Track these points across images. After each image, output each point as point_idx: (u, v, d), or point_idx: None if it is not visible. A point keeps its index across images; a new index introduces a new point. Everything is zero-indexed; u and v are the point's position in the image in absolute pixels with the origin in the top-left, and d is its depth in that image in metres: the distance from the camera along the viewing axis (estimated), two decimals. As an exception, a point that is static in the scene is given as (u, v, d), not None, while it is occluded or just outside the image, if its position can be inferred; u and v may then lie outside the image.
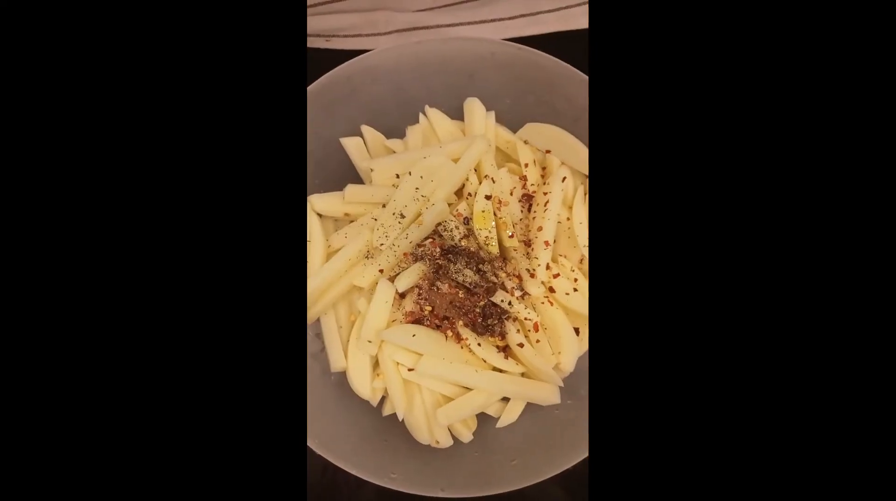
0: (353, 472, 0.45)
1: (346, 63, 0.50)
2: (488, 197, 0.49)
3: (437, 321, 0.48)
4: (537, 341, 0.48)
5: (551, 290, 0.49)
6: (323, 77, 0.50)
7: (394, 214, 0.49)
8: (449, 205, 0.50)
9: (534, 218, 0.50)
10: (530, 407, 0.49)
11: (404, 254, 0.49)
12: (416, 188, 0.49)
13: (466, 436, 0.48)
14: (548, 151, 0.53)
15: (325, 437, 0.45)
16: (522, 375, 0.48)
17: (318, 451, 0.45)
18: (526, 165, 0.52)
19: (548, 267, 0.49)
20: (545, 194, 0.50)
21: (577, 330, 0.50)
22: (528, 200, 0.52)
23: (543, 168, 0.53)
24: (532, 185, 0.52)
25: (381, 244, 0.48)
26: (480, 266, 0.48)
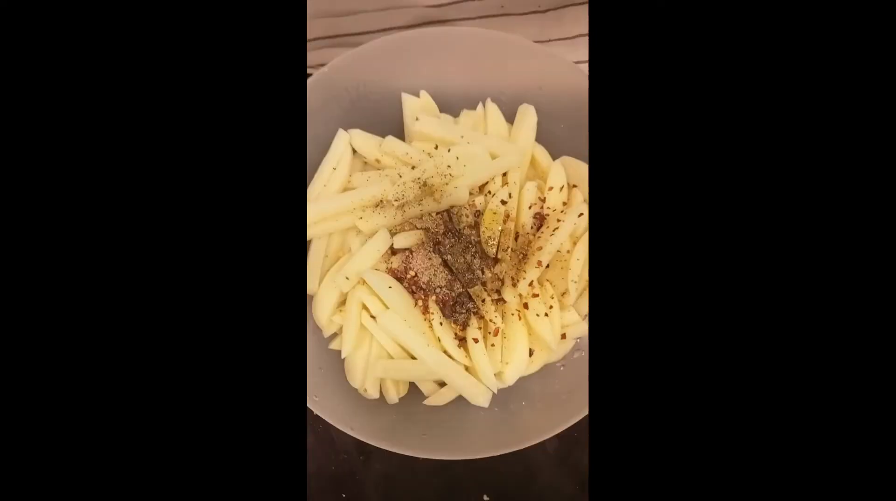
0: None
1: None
2: (504, 202, 0.51)
3: (413, 287, 0.50)
4: (492, 344, 0.50)
5: (525, 306, 0.51)
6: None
7: (418, 178, 0.51)
8: (469, 193, 0.52)
9: (538, 237, 0.53)
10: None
11: (409, 220, 0.51)
12: (448, 166, 0.51)
13: (392, 398, 0.51)
14: (574, 186, 0.55)
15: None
16: (466, 368, 0.51)
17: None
18: (550, 189, 0.54)
19: (531, 285, 0.51)
20: (558, 220, 0.52)
21: (531, 352, 0.52)
22: (540, 219, 0.54)
23: (564, 203, 0.55)
24: (549, 208, 0.54)
25: (396, 201, 0.51)
26: (472, 258, 0.50)
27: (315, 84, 0.51)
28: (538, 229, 0.54)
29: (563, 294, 0.52)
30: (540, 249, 0.51)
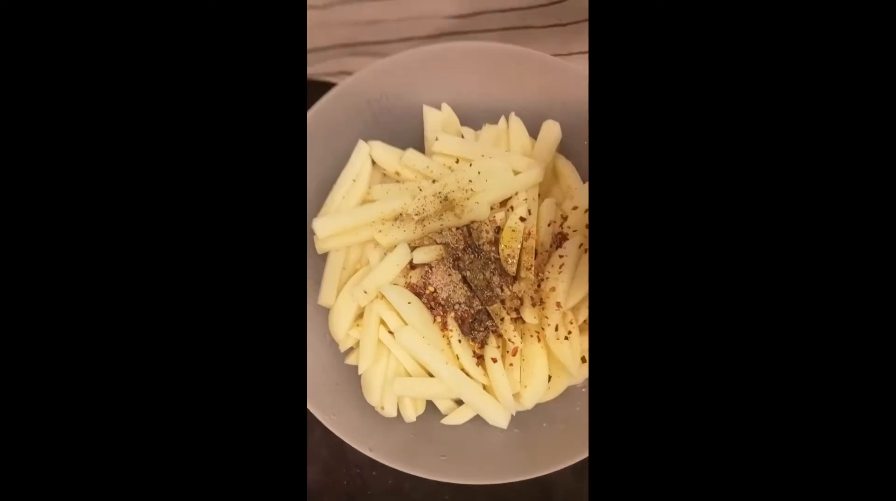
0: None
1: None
2: (523, 219, 0.51)
3: (432, 303, 0.49)
4: (510, 364, 0.50)
5: (542, 328, 0.50)
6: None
7: (439, 192, 0.51)
8: (491, 208, 0.51)
9: (560, 257, 0.52)
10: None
11: (429, 234, 0.51)
12: (470, 181, 0.51)
13: (409, 416, 0.50)
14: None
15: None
16: (484, 387, 0.50)
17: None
18: (575, 208, 0.53)
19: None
20: (581, 245, 0.51)
21: (549, 377, 0.51)
22: (560, 238, 0.53)
23: (587, 226, 0.54)
24: (570, 228, 0.53)
25: (416, 215, 0.50)
26: (491, 276, 0.49)
27: (337, 96, 0.51)
28: (558, 245, 0.53)
29: (584, 320, 0.52)
30: (553, 289, 0.50)
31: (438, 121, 0.55)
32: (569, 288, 0.50)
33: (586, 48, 0.63)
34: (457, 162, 0.53)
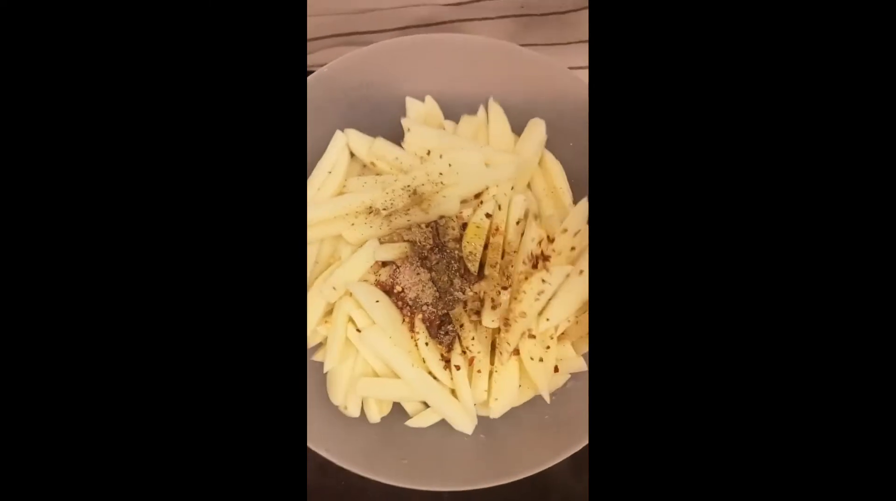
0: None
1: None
2: (489, 215, 0.48)
3: (401, 303, 0.47)
4: (478, 371, 0.47)
5: (516, 352, 0.47)
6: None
7: (408, 186, 0.48)
8: (462, 202, 0.49)
9: (543, 281, 0.48)
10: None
11: (398, 230, 0.48)
12: (440, 173, 0.48)
13: (373, 417, 0.48)
14: None
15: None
16: (452, 391, 0.48)
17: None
18: (564, 231, 0.49)
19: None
20: (568, 275, 0.48)
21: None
22: (543, 259, 0.49)
23: (572, 248, 0.50)
24: (554, 250, 0.49)
25: (384, 209, 0.48)
26: (453, 276, 0.47)
27: (315, 83, 0.49)
28: (534, 265, 0.49)
29: (562, 335, 0.49)
30: (523, 315, 0.47)
31: (422, 112, 0.53)
32: (540, 316, 0.47)
33: (586, 37, 0.60)
34: (428, 154, 0.50)
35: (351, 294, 0.48)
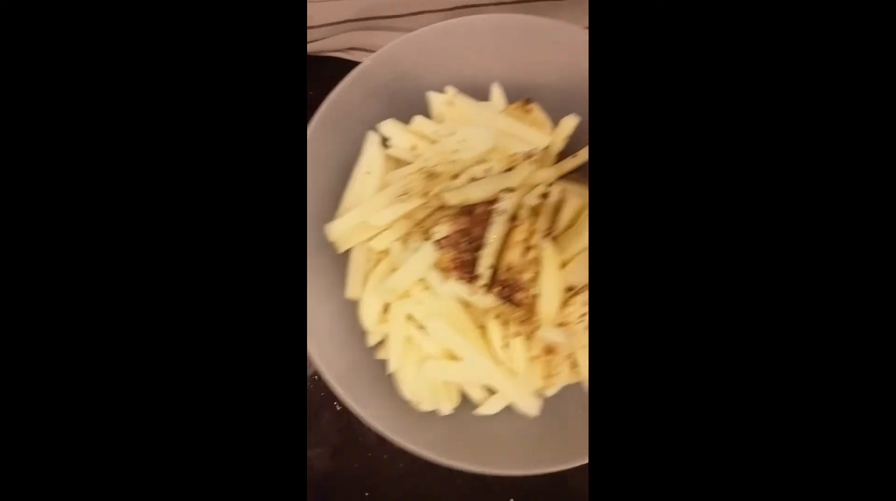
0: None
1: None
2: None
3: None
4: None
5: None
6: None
7: (422, 168, 0.49)
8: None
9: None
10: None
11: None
12: (454, 151, 0.49)
13: (446, 408, 0.50)
14: None
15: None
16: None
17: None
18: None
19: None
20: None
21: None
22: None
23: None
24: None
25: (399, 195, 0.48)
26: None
27: (356, 80, 0.48)
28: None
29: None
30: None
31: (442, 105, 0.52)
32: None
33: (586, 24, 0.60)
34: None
35: (408, 295, 0.49)
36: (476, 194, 0.49)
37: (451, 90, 0.52)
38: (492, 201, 0.48)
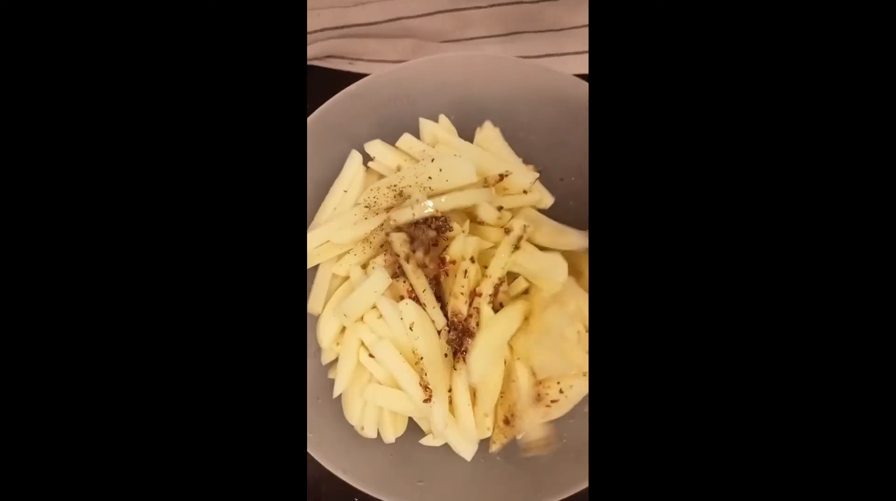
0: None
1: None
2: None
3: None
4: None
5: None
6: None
7: (394, 185, 0.49)
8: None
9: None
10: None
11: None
12: (429, 177, 0.49)
13: (388, 437, 0.50)
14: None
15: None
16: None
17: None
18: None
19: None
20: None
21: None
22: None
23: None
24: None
25: (367, 207, 0.49)
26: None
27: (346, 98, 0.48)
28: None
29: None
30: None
31: (437, 132, 0.52)
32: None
33: (586, 22, 0.59)
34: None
35: (362, 320, 0.48)
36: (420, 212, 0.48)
37: (443, 119, 0.52)
38: (440, 228, 0.49)
